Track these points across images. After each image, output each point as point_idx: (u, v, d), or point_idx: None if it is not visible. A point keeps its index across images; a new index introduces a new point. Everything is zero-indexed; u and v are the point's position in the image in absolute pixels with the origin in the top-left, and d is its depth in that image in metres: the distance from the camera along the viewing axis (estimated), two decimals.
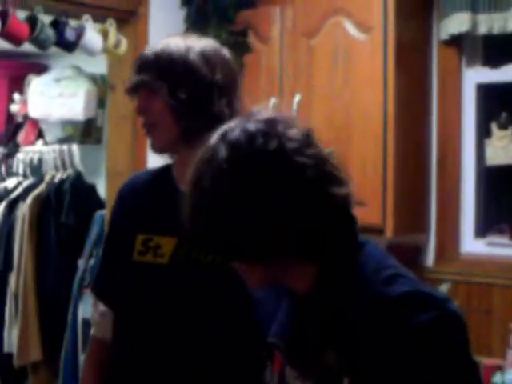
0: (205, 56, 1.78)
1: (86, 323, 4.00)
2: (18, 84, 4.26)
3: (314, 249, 1.28)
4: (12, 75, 4.34)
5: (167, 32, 3.54)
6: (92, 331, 2.02)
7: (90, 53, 3.39)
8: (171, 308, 1.80)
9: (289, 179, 1.23)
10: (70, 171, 4.23)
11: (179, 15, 3.63)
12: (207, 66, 1.77)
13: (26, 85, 4.19)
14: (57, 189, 4.17)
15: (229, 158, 1.23)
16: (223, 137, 1.26)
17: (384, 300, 1.23)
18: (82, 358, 3.99)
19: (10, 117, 4.32)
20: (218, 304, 1.77)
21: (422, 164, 3.51)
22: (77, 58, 4.00)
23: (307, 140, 1.28)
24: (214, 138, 1.27)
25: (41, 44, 3.17)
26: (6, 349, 4.12)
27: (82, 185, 4.23)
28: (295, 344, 1.35)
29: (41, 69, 4.45)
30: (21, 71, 4.33)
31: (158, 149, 1.84)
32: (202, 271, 1.76)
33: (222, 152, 1.24)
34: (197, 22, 3.54)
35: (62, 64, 4.27)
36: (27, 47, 3.29)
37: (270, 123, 1.27)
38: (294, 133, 1.26)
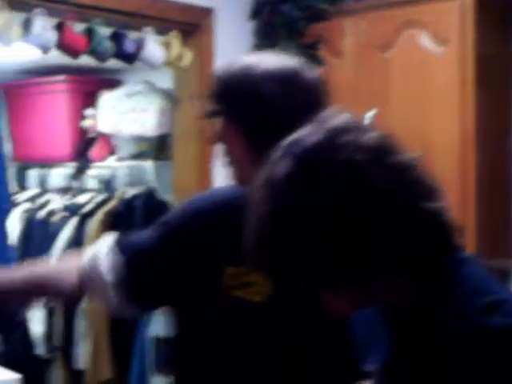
0: (284, 84, 1.62)
1: (158, 341, 3.96)
2: (92, 99, 4.26)
3: (404, 265, 1.12)
4: (87, 91, 4.35)
5: (233, 45, 3.48)
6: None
7: (151, 65, 3.34)
8: (268, 347, 1.67)
9: (364, 195, 1.07)
10: (142, 187, 4.18)
11: (246, 27, 3.54)
12: (285, 96, 1.61)
13: (98, 100, 4.19)
14: (128, 205, 4.13)
15: (291, 174, 1.09)
16: (289, 149, 1.12)
17: (484, 332, 1.06)
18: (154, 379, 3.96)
19: (82, 132, 4.33)
20: (320, 347, 1.65)
21: (504, 183, 3.32)
22: (150, 74, 3.96)
23: (383, 148, 1.13)
24: (281, 150, 1.13)
25: (98, 56, 3.13)
26: (76, 365, 4.08)
27: (154, 201, 4.17)
28: (392, 373, 1.22)
29: (115, 84, 4.44)
30: (95, 87, 4.34)
31: (238, 180, 1.70)
32: (301, 311, 1.63)
33: (286, 168, 1.09)
34: (266, 35, 3.45)
35: (135, 79, 4.24)
36: (104, 63, 3.26)
37: (339, 132, 1.12)
38: (366, 141, 1.11)
